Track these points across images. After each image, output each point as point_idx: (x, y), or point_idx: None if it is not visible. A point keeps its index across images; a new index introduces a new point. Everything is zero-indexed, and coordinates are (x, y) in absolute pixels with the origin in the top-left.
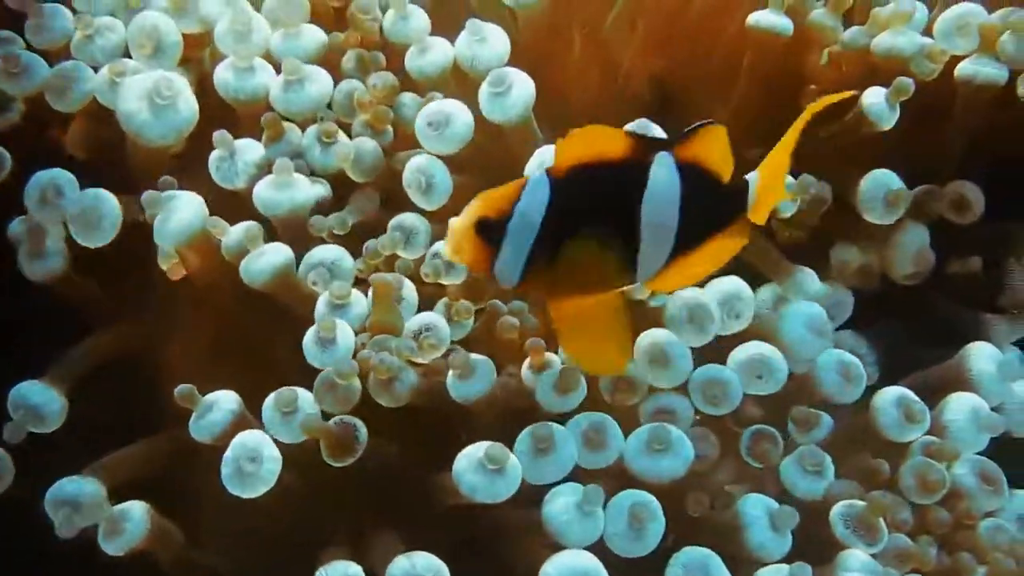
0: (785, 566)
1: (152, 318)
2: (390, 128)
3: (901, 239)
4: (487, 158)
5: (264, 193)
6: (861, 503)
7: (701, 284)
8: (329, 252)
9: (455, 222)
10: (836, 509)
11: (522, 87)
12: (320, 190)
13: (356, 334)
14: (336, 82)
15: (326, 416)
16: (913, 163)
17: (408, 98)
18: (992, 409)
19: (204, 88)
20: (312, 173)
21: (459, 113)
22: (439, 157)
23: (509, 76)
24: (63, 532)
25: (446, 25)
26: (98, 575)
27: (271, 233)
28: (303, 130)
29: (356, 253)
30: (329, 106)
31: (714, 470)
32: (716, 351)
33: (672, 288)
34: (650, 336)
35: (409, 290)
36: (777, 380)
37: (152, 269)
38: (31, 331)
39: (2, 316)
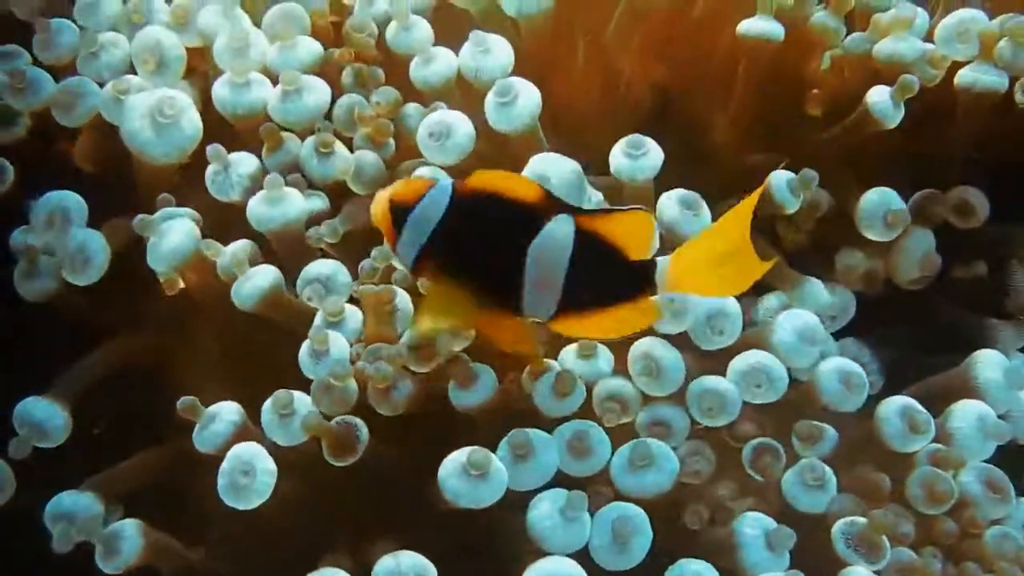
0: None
1: (154, 331)
2: (391, 141)
3: (906, 244)
4: (493, 168)
5: (256, 209)
6: (862, 520)
7: None
8: (324, 267)
9: (380, 193)
10: (837, 527)
11: (528, 96)
12: (317, 203)
13: (351, 345)
14: (336, 97)
15: (326, 419)
16: (916, 168)
17: (412, 108)
18: (999, 416)
19: (209, 100)
20: (310, 184)
21: (460, 124)
22: (441, 168)
23: (515, 86)
24: (59, 547)
25: (447, 37)
26: None
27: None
28: (303, 140)
29: (354, 263)
30: (329, 118)
31: (715, 483)
32: (716, 359)
33: (572, 334)
34: (641, 345)
35: (404, 300)
36: (777, 389)
37: (154, 283)
38: (34, 342)
39: (4, 328)
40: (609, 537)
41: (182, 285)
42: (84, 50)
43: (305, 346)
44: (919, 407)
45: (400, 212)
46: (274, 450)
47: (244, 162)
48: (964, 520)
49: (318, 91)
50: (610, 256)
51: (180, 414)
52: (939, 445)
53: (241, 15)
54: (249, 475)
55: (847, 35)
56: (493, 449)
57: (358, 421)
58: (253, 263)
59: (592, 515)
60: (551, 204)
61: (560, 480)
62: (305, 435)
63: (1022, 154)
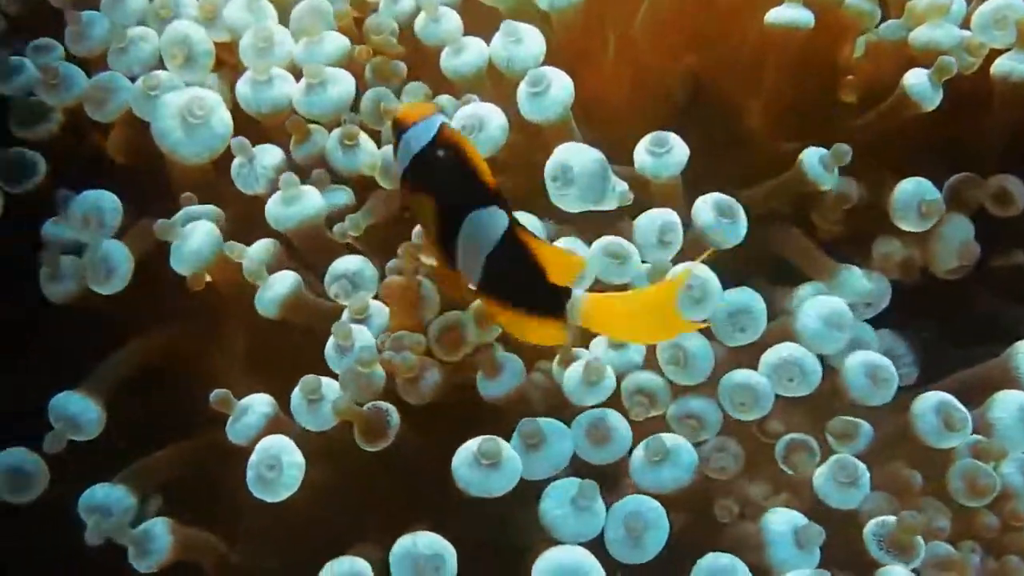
0: (808, 571)
1: (183, 325)
2: None
3: (945, 232)
4: (526, 158)
5: (273, 209)
6: (893, 519)
7: None
8: (351, 263)
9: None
10: (868, 528)
11: (560, 86)
12: (341, 197)
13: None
14: (362, 91)
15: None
16: (952, 157)
17: (444, 99)
18: None
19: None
20: (337, 177)
21: (493, 116)
22: None
23: (547, 75)
24: (91, 539)
25: (475, 31)
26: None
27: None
28: (330, 132)
29: (379, 256)
30: (355, 110)
31: (745, 478)
32: (748, 352)
33: (489, 315)
34: None
35: (430, 290)
36: (810, 383)
37: (182, 278)
38: (65, 335)
39: (36, 321)
40: (622, 531)
41: (209, 279)
42: (114, 44)
43: (331, 341)
44: (955, 404)
45: (398, 131)
46: (305, 438)
47: (268, 154)
48: (1006, 513)
49: (342, 83)
50: (532, 268)
51: (213, 407)
52: (979, 436)
53: (267, 7)
54: (275, 469)
55: (881, 20)
56: None
57: (389, 406)
58: (277, 262)
59: (610, 508)
60: (502, 199)
61: (582, 470)
62: (336, 419)
63: None
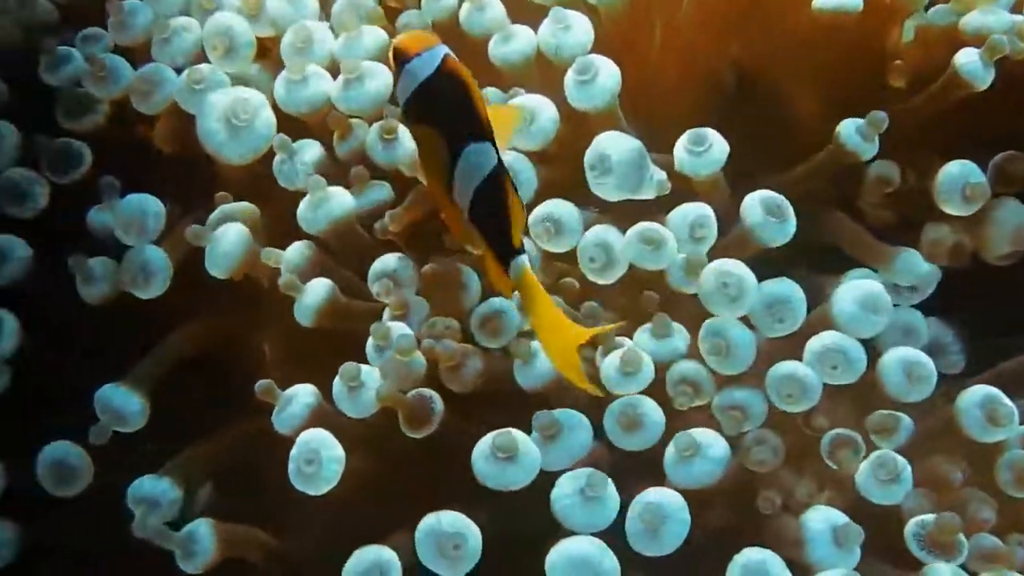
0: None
1: (227, 316)
2: None
3: (997, 216)
4: (572, 147)
5: (304, 213)
6: (933, 518)
7: None
8: (391, 262)
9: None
10: (909, 528)
11: (608, 74)
12: (381, 193)
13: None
14: None
15: None
16: (1002, 145)
17: (491, 92)
18: None
19: None
20: (377, 171)
21: (544, 108)
22: (525, 152)
23: (595, 63)
24: (138, 531)
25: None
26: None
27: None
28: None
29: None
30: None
31: (787, 470)
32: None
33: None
34: (711, 323)
35: (471, 279)
36: (854, 370)
37: None
38: (108, 326)
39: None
40: (640, 524)
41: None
42: (157, 35)
43: (371, 341)
44: (1001, 398)
45: (400, 61)
46: (348, 426)
47: (308, 149)
48: None
49: (379, 77)
50: (503, 215)
51: (259, 397)
52: None
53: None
54: (313, 464)
55: (929, 5)
56: None
57: (433, 393)
58: (312, 264)
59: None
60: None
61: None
62: (379, 405)
63: None
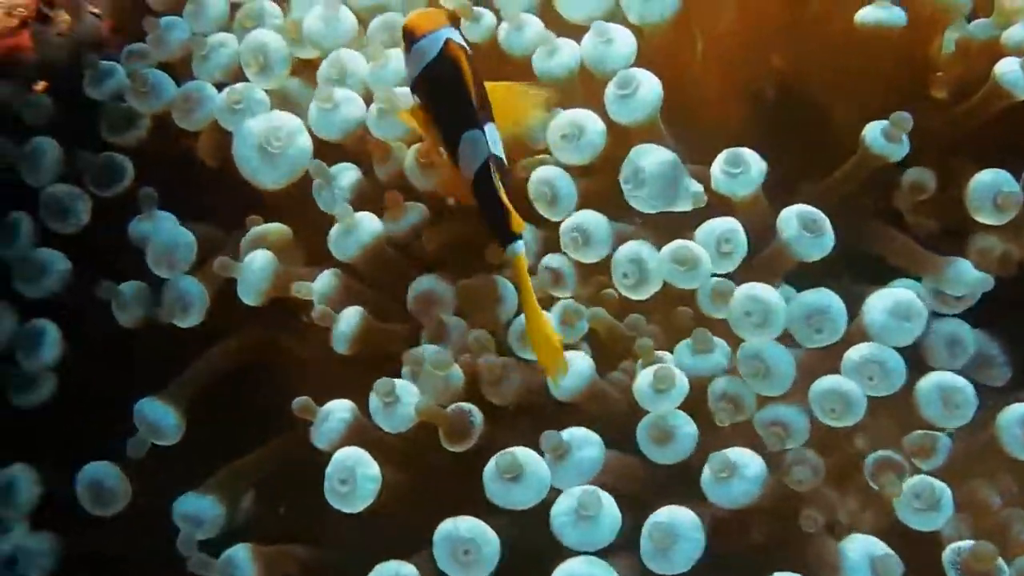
0: None
1: (263, 330)
2: None
3: None
4: (614, 160)
5: (334, 243)
6: (970, 544)
7: None
8: (428, 282)
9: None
10: (946, 555)
11: (649, 88)
12: (414, 216)
13: None
14: None
15: None
16: None
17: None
18: None
19: None
20: (414, 193)
21: (590, 122)
22: (570, 167)
23: (636, 77)
24: (183, 548)
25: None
26: None
27: None
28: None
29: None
30: None
31: (838, 489)
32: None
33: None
34: (749, 346)
35: (507, 291)
36: (892, 383)
37: None
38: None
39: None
40: (651, 544)
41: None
42: (196, 52)
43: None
44: None
45: (409, 40)
46: (385, 440)
47: (344, 175)
48: None
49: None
50: (496, 202)
51: (296, 414)
52: None
53: (345, 19)
54: (347, 483)
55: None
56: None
57: (472, 407)
58: (341, 292)
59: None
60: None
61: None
62: (418, 419)
63: None
